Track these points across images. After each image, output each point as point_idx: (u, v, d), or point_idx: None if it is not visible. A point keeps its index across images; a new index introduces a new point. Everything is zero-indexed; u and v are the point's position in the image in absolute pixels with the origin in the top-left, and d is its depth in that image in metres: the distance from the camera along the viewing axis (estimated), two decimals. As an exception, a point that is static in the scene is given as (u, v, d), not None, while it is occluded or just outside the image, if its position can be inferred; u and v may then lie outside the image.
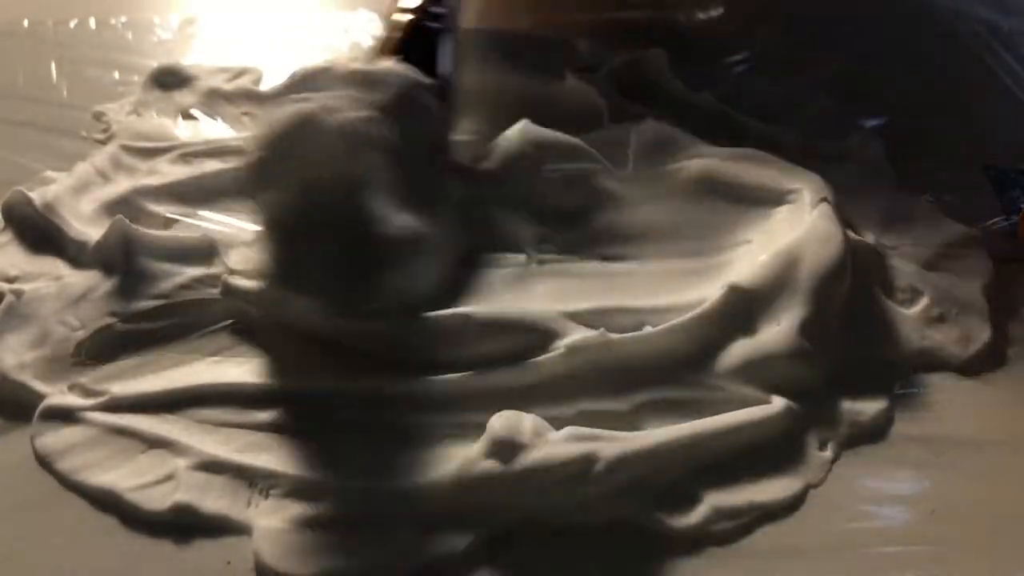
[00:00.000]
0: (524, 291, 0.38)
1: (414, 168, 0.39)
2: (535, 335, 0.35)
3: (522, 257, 0.40)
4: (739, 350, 0.35)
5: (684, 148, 0.44)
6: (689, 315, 0.36)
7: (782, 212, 0.40)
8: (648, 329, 0.36)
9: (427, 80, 0.41)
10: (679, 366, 0.35)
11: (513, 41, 0.53)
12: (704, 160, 0.42)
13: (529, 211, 0.41)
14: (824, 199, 0.40)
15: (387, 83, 0.40)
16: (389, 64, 0.41)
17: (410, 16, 0.44)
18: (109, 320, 0.37)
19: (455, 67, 0.44)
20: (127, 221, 0.39)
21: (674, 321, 0.36)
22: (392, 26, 0.44)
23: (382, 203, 0.37)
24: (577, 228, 0.41)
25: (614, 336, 0.35)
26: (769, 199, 0.41)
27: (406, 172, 0.38)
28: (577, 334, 0.35)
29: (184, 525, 0.31)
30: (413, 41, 0.43)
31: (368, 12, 0.60)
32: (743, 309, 0.36)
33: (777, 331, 0.36)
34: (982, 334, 0.39)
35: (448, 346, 0.35)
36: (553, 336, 0.35)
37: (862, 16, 0.59)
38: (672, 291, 0.38)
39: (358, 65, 0.41)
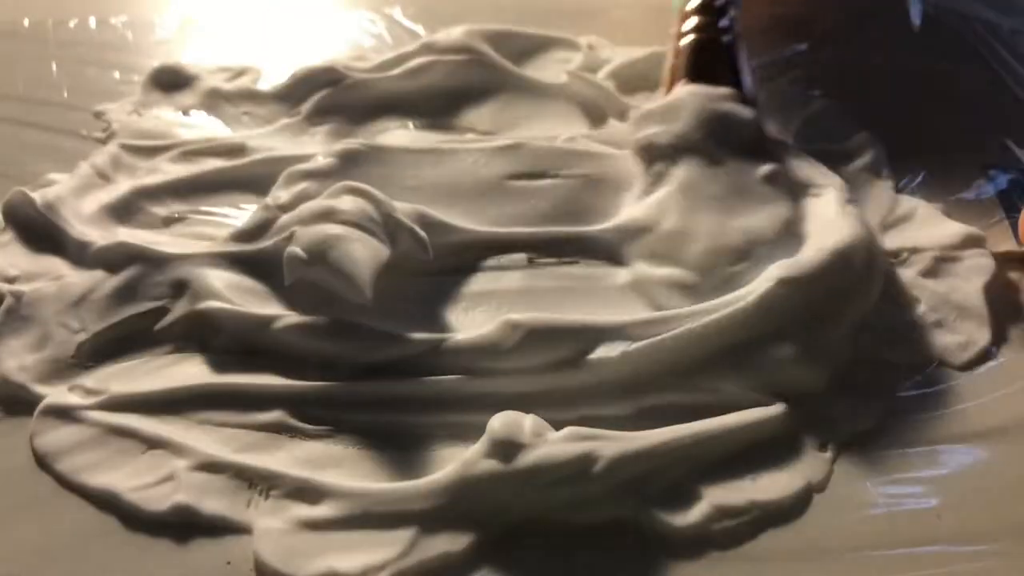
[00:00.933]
0: (536, 294, 0.38)
1: (736, 174, 0.40)
2: (573, 343, 0.35)
3: (522, 258, 0.40)
4: (744, 351, 0.35)
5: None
6: (707, 319, 0.35)
7: (808, 205, 0.40)
8: (664, 335, 0.35)
9: (720, 91, 0.42)
10: (688, 370, 0.35)
11: (514, 38, 0.53)
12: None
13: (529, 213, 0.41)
14: (852, 200, 0.40)
15: (680, 110, 0.42)
16: (678, 92, 0.43)
17: (697, 35, 0.45)
18: (109, 321, 0.37)
19: (752, 74, 0.45)
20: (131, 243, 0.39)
21: (686, 326, 0.35)
22: (679, 50, 0.45)
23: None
24: (589, 226, 0.41)
25: (633, 346, 0.35)
26: (793, 192, 0.41)
27: (730, 179, 0.40)
28: (601, 347, 0.35)
29: (184, 525, 0.31)
30: (710, 59, 0.45)
31: (368, 12, 0.60)
32: (796, 301, 0.36)
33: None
34: (981, 336, 0.39)
35: (491, 356, 0.35)
36: (589, 343, 0.35)
37: (862, 17, 0.59)
38: (693, 293, 0.38)
39: (647, 106, 0.43)
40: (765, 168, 0.41)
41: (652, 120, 0.43)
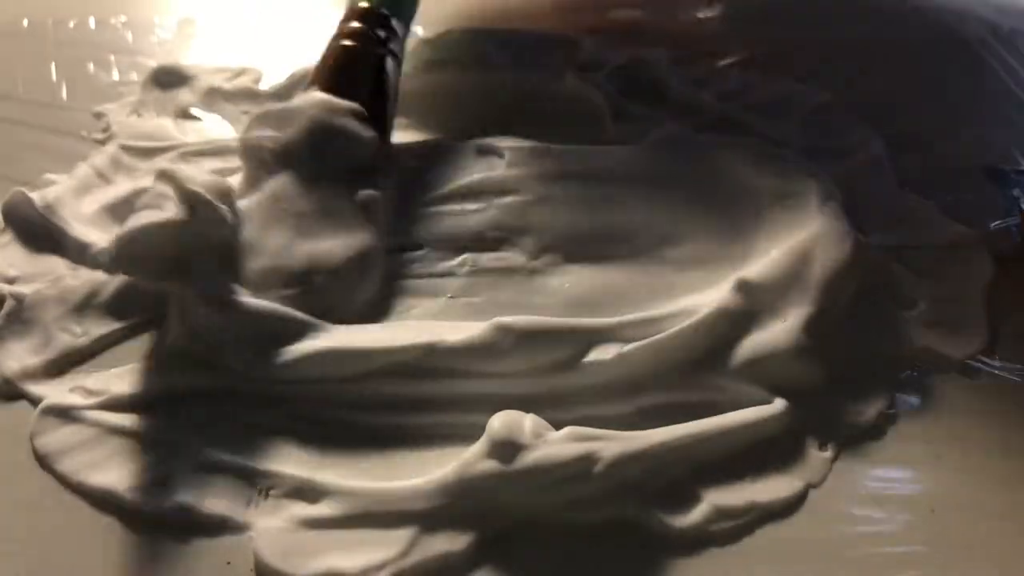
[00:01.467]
0: (539, 297, 0.38)
1: (331, 194, 0.39)
2: (567, 346, 0.35)
3: (522, 259, 0.40)
4: (744, 348, 0.35)
5: (697, 148, 0.44)
6: (697, 317, 0.35)
7: (790, 208, 0.40)
8: (658, 336, 0.35)
9: (345, 105, 0.41)
10: (685, 369, 0.35)
11: (514, 39, 0.53)
12: (712, 155, 0.43)
13: (531, 216, 0.41)
14: (832, 197, 0.40)
15: (297, 117, 0.40)
16: (302, 97, 0.41)
17: (350, 40, 0.44)
18: (110, 325, 0.38)
19: (395, 92, 0.44)
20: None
21: (683, 324, 0.35)
22: (334, 50, 0.44)
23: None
24: (579, 230, 0.41)
25: (627, 348, 0.35)
26: (777, 195, 0.41)
27: (321, 198, 0.39)
28: (595, 350, 0.35)
29: (184, 525, 0.31)
30: (353, 69, 0.43)
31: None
32: (751, 305, 0.36)
33: (782, 327, 0.35)
34: (980, 335, 0.39)
35: (483, 359, 0.35)
36: (583, 346, 0.35)
37: (862, 15, 0.59)
38: (681, 291, 0.38)
39: (267, 105, 0.42)
40: (363, 194, 0.39)
41: (267, 122, 0.41)
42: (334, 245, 0.38)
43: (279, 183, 0.39)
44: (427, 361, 0.35)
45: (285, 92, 0.50)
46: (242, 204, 0.39)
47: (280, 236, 0.38)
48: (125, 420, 0.34)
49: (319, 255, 0.37)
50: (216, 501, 0.32)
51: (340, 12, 0.46)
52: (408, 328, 0.36)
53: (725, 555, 0.31)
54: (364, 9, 0.45)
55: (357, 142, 0.40)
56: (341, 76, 0.43)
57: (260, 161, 0.40)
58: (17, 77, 0.53)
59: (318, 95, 0.41)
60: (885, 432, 0.35)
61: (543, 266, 0.39)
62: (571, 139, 0.44)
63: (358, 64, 0.44)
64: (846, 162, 0.46)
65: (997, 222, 0.44)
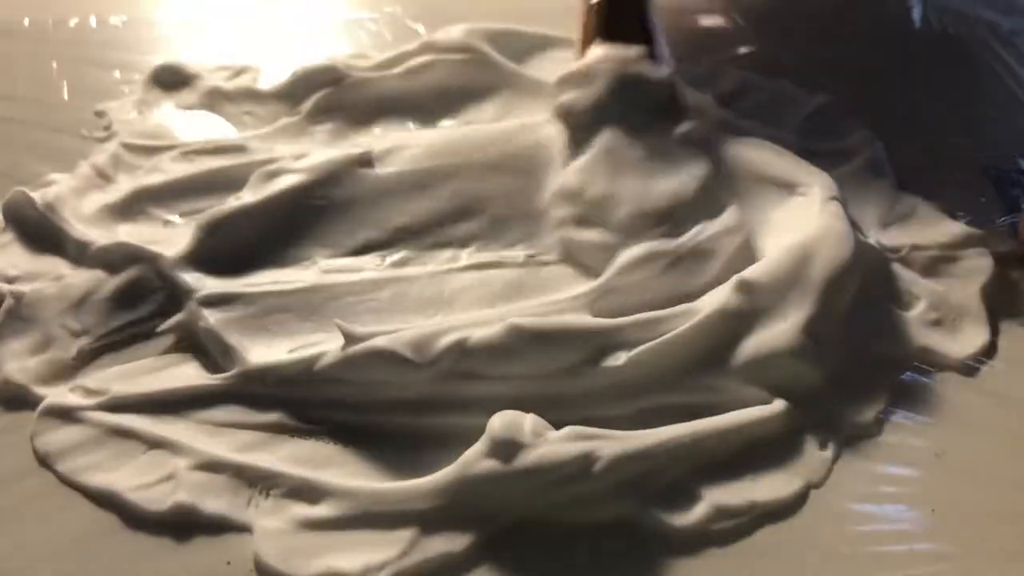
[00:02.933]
0: (542, 295, 0.38)
1: (655, 136, 0.41)
2: (576, 349, 0.35)
3: (520, 257, 0.40)
4: (745, 348, 0.35)
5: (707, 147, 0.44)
6: (699, 318, 0.35)
7: (792, 206, 0.40)
8: (662, 338, 0.35)
9: (635, 51, 0.43)
10: (687, 369, 0.35)
11: (515, 38, 0.53)
12: (719, 154, 0.43)
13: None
14: (834, 197, 0.40)
15: (595, 75, 0.43)
16: (592, 55, 0.43)
17: None
18: (110, 325, 0.38)
19: (660, 22, 0.46)
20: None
21: (686, 325, 0.35)
22: (590, 7, 0.46)
23: None
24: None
25: (634, 351, 0.35)
26: (777, 195, 0.41)
27: (649, 142, 0.41)
28: (605, 355, 0.35)
29: (184, 525, 0.31)
30: (620, 17, 0.45)
31: (368, 12, 0.60)
32: (752, 306, 0.36)
33: (783, 328, 0.36)
34: (980, 335, 0.39)
35: (495, 361, 0.35)
36: (599, 348, 0.35)
37: (862, 16, 0.59)
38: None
39: (564, 70, 0.44)
40: (683, 127, 0.42)
41: (570, 85, 0.43)
42: (683, 180, 0.40)
43: (605, 138, 0.41)
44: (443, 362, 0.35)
45: (287, 91, 0.50)
46: (579, 163, 0.41)
47: (633, 183, 0.40)
48: (125, 420, 0.34)
49: (676, 192, 0.40)
50: (216, 501, 0.32)
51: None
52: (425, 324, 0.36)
53: (725, 554, 0.31)
54: None
55: (654, 82, 0.43)
56: (612, 27, 0.45)
57: (577, 121, 0.42)
58: (18, 77, 0.53)
59: (605, 49, 0.43)
60: (885, 432, 0.35)
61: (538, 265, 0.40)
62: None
63: (621, 12, 0.45)
64: (846, 163, 0.46)
65: (997, 222, 0.44)
